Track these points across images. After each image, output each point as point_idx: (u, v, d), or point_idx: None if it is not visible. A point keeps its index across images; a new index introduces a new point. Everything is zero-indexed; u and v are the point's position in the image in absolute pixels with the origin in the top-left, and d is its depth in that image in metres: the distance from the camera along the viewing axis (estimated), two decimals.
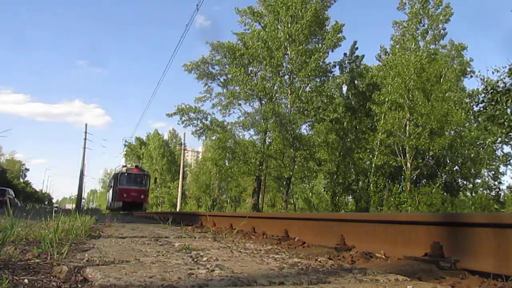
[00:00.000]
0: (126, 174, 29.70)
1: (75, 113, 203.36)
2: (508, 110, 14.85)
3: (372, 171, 26.47)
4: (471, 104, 17.15)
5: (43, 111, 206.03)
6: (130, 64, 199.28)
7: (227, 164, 28.34)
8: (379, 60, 30.70)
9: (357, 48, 30.66)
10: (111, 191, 33.76)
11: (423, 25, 27.88)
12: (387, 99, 24.86)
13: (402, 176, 26.04)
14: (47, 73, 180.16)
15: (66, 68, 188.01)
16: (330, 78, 27.19)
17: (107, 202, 38.65)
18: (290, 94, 25.60)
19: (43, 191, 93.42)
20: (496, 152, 26.39)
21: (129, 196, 28.35)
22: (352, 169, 28.57)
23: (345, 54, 29.95)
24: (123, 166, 33.59)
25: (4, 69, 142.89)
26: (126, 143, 58.62)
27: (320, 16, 25.86)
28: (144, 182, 30.49)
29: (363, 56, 30.90)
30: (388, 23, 31.58)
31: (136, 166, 32.52)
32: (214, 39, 28.14)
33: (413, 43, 26.40)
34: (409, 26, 27.47)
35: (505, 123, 14.71)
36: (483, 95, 15.79)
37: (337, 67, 28.58)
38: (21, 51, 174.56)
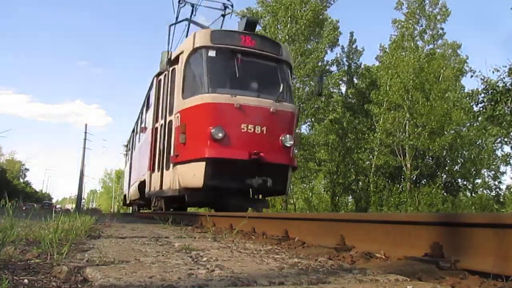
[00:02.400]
0: (220, 52, 8.16)
1: (76, 114, 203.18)
2: (508, 110, 14.85)
3: (372, 171, 26.47)
4: (471, 104, 17.16)
5: (44, 111, 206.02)
6: (131, 64, 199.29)
7: None
8: (379, 61, 30.66)
9: (355, 41, 29.93)
10: (148, 136, 10.40)
11: (421, 25, 27.90)
12: (385, 99, 24.88)
13: (402, 176, 26.05)
14: (48, 74, 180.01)
15: (67, 68, 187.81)
16: (328, 77, 27.17)
17: (129, 182, 16.42)
18: None
19: (43, 191, 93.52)
20: (496, 152, 26.40)
21: (249, 142, 7.70)
22: (352, 169, 28.57)
23: (342, 47, 29.29)
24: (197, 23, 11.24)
25: (5, 70, 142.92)
26: (126, 144, 58.75)
27: (320, 16, 25.88)
28: (285, 89, 8.50)
29: (363, 49, 30.18)
30: (387, 23, 31.73)
31: (250, 24, 8.72)
32: None
33: (412, 43, 26.43)
34: (407, 26, 27.48)
35: (505, 123, 14.71)
36: (482, 95, 15.80)
37: (335, 65, 28.42)
38: (22, 52, 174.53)
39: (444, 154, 26.56)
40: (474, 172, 27.68)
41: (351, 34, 29.81)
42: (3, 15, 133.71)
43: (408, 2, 27.63)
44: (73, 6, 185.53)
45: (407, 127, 24.58)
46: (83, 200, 54.84)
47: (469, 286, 1.99)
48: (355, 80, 29.92)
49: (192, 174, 7.79)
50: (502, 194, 28.57)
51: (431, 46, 28.34)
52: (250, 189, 8.18)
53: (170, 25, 10.02)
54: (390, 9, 29.92)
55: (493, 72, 15.27)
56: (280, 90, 8.27)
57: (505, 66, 14.94)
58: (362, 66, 30.05)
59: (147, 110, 12.09)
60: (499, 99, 14.82)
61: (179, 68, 8.51)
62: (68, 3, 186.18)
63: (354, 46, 29.73)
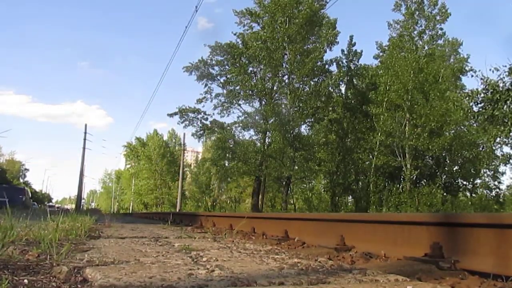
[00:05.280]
0: None
1: (77, 114, 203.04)
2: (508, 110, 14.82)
3: (372, 171, 26.47)
4: (470, 104, 17.12)
5: (45, 112, 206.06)
6: (132, 65, 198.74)
7: (226, 164, 28.33)
8: (377, 59, 30.59)
9: (354, 44, 30.03)
10: None
11: (421, 26, 27.85)
12: (385, 99, 24.88)
13: (402, 176, 26.03)
14: (49, 74, 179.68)
15: (68, 69, 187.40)
16: (328, 76, 27.15)
17: None
18: (289, 94, 25.64)
19: (43, 191, 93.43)
20: (496, 152, 26.40)
21: None
22: (351, 169, 28.56)
23: (342, 50, 29.43)
24: None
25: (6, 70, 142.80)
26: (126, 144, 58.81)
27: (319, 15, 25.83)
28: None
29: (361, 52, 30.26)
30: (386, 18, 31.75)
31: None
32: (218, 40, 27.54)
33: (411, 43, 26.40)
34: (406, 26, 27.43)
35: (507, 122, 14.68)
36: (482, 94, 15.76)
37: (334, 64, 28.41)
38: (23, 52, 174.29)
39: (444, 154, 26.55)
40: (474, 172, 27.68)
41: (351, 38, 30.02)
42: (3, 16, 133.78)
43: (406, 3, 27.60)
44: (74, 6, 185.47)
45: (406, 127, 24.58)
46: (83, 200, 54.86)
47: (469, 286, 1.99)
48: (355, 81, 29.92)
49: None
50: (502, 194, 28.60)
51: (430, 46, 28.29)
52: None
53: None
54: (389, 10, 29.62)
55: (493, 72, 15.26)
56: None
57: (505, 66, 14.92)
58: (360, 65, 29.99)
59: None
60: (499, 99, 14.80)
61: None
62: (68, 3, 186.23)
63: (353, 48, 29.86)
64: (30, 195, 31.78)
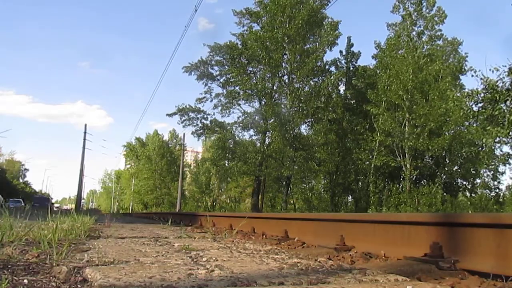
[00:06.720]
0: None
1: (77, 114, 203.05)
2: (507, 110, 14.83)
3: (372, 171, 26.47)
4: (470, 104, 17.12)
5: (45, 112, 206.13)
6: (132, 65, 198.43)
7: (226, 164, 28.34)
8: (375, 59, 30.58)
9: (352, 45, 30.13)
10: None
11: (419, 26, 27.84)
12: (384, 99, 24.87)
13: (402, 176, 26.03)
14: (49, 74, 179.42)
15: (67, 69, 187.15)
16: (328, 77, 27.16)
17: None
18: (289, 94, 25.64)
19: (43, 191, 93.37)
20: (495, 152, 26.39)
21: None
22: (351, 169, 28.56)
23: (340, 51, 29.56)
24: None
25: (6, 70, 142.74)
26: (126, 144, 58.82)
27: (318, 15, 25.83)
28: None
29: (359, 53, 30.37)
30: (386, 19, 31.64)
31: None
32: (218, 41, 27.50)
33: (410, 43, 26.37)
34: (404, 27, 27.39)
35: (506, 122, 14.68)
36: (482, 94, 15.77)
37: (333, 66, 28.48)
38: (23, 52, 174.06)
39: (444, 154, 26.56)
40: (474, 172, 27.69)
41: (349, 39, 30.11)
42: (3, 16, 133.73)
43: (404, 5, 27.58)
44: (74, 6, 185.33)
45: (406, 127, 24.58)
46: (82, 200, 54.91)
47: (469, 286, 1.99)
48: (354, 82, 29.97)
49: None
50: (502, 194, 28.60)
51: (429, 46, 28.26)
52: None
53: None
54: (388, 10, 29.58)
55: (492, 72, 15.26)
56: None
57: (505, 66, 14.92)
58: (360, 68, 30.03)
59: None
60: (498, 99, 14.81)
61: None
62: (68, 3, 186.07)
63: (351, 49, 29.94)
64: (51, 201, 50.55)
